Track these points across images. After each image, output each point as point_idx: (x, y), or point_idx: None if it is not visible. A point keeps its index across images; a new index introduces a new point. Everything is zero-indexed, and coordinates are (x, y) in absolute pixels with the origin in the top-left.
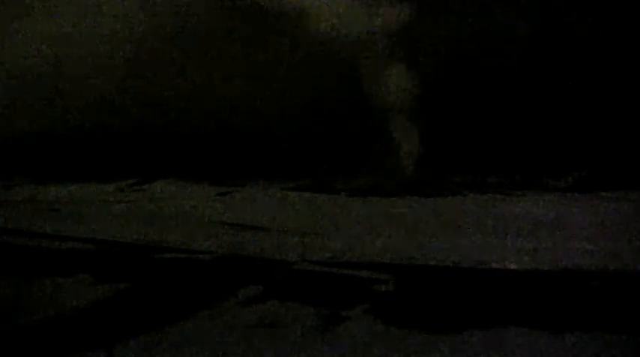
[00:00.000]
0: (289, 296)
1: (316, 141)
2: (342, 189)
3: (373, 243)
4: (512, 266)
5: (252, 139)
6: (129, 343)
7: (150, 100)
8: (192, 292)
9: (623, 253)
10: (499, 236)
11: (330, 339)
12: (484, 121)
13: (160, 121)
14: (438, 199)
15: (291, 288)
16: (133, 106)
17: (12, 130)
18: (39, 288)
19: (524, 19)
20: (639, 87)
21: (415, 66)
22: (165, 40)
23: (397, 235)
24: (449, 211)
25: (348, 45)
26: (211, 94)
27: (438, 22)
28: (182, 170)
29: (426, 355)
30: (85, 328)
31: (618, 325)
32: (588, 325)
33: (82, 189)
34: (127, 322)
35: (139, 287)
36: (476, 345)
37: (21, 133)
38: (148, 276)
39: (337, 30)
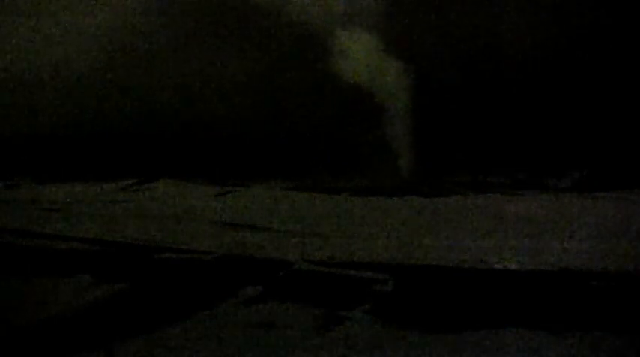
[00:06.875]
0: (289, 296)
1: (316, 141)
2: (342, 189)
3: (373, 243)
4: (513, 266)
5: (252, 139)
6: (129, 343)
7: (150, 100)
8: (192, 292)
9: (623, 253)
10: (499, 236)
11: (330, 339)
12: (484, 121)
13: (160, 121)
14: (438, 199)
15: (291, 288)
16: (133, 106)
17: (12, 130)
18: (39, 288)
19: (525, 18)
20: (639, 87)
21: (415, 64)
22: (164, 40)
23: (397, 235)
24: (449, 211)
25: (346, 43)
26: (211, 93)
27: (435, 17)
28: (182, 170)
29: (426, 355)
30: (85, 328)
31: (618, 325)
32: (588, 325)
33: (82, 189)
34: (127, 322)
35: (138, 287)
36: (476, 345)
37: (21, 133)
38: (148, 276)
39: (335, 29)
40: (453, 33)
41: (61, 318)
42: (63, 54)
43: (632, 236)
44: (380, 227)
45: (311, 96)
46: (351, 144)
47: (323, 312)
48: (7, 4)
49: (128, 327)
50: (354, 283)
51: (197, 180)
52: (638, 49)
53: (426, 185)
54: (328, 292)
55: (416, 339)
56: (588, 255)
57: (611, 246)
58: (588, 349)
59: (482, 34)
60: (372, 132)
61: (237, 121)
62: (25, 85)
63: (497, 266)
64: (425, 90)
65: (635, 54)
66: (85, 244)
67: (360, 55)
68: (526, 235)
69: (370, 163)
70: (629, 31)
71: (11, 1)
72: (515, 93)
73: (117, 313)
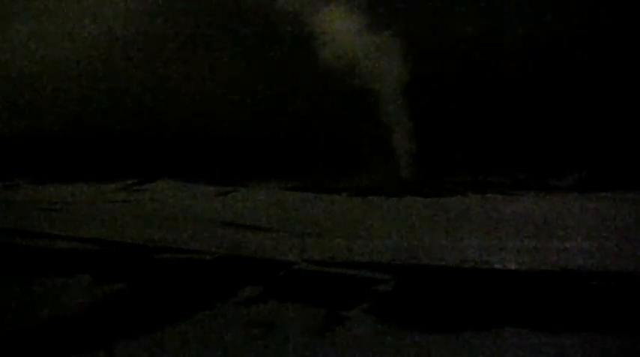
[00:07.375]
0: (289, 296)
1: (316, 141)
2: (342, 189)
3: (373, 243)
4: (512, 266)
5: (253, 139)
6: (129, 343)
7: (150, 100)
8: (192, 292)
9: (623, 253)
10: (499, 236)
11: (330, 339)
12: (485, 121)
13: (160, 122)
14: (438, 199)
15: (291, 288)
16: (133, 106)
17: (12, 130)
18: (39, 288)
19: (526, 18)
20: (639, 87)
21: (415, 65)
22: (164, 41)
23: (397, 235)
24: (449, 211)
25: (346, 46)
26: (211, 95)
27: (437, 18)
28: (182, 170)
29: (426, 355)
30: (85, 328)
31: (618, 326)
32: (588, 325)
33: (82, 189)
34: (127, 322)
35: (139, 287)
36: (476, 345)
37: (21, 133)
38: (148, 276)
39: (334, 31)
40: (453, 32)
41: (61, 318)
42: (63, 54)
43: (632, 236)
44: (380, 227)
45: (310, 96)
46: (351, 144)
47: (323, 312)
48: (6, 3)
49: (128, 327)
50: (354, 283)
51: (197, 180)
52: (638, 50)
53: (426, 185)
54: (328, 292)
55: (416, 339)
56: (588, 255)
57: (611, 246)
58: (588, 349)
59: (483, 34)
60: (371, 132)
61: (237, 122)
62: (25, 85)
63: (497, 266)
64: (425, 90)
65: (635, 55)
66: (85, 244)
67: (360, 55)
68: (526, 235)
69: (370, 163)
70: (630, 32)
71: (11, 1)
72: (516, 93)
73: (117, 313)
